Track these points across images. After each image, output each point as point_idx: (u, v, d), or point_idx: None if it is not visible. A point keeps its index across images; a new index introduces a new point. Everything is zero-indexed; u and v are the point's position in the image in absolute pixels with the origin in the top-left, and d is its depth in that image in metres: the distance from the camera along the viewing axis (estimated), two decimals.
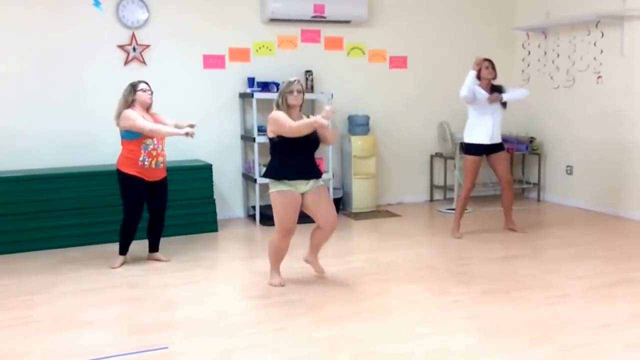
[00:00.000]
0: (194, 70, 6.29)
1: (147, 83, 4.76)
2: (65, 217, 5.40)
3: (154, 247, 5.02)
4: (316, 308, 3.82)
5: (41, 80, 5.79)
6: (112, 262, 4.81)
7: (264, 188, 6.45)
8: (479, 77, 5.53)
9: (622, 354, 3.13)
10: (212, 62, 6.39)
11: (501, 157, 5.66)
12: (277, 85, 6.39)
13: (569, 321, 3.54)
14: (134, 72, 6.00)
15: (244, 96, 6.46)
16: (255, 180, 6.24)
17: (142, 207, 4.81)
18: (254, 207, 6.44)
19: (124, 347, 3.26)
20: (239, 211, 6.69)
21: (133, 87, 4.68)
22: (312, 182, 4.14)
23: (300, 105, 4.17)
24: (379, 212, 6.82)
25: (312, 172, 4.15)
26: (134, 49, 6.05)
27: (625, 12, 6.17)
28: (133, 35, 6.04)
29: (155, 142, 4.67)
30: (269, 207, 6.42)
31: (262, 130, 6.32)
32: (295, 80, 4.13)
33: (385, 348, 3.20)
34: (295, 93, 4.08)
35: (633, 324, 3.50)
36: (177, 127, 4.75)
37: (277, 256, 4.25)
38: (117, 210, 5.54)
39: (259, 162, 6.24)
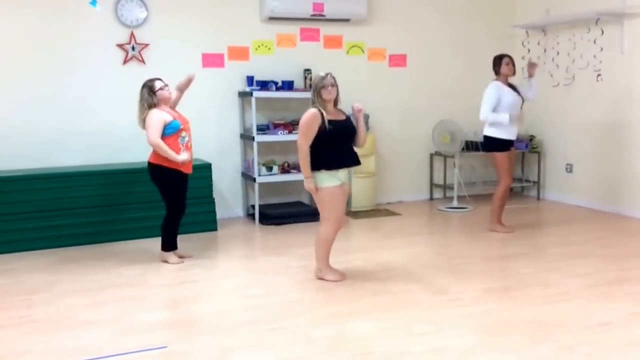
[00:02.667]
0: (193, 69, 6.23)
1: (160, 79, 4.73)
2: (63, 217, 5.38)
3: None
4: (315, 307, 3.81)
5: (39, 79, 5.78)
6: (171, 260, 4.82)
7: (263, 187, 6.47)
8: (498, 73, 5.55)
9: (622, 352, 3.13)
10: (211, 60, 6.39)
11: (512, 155, 5.71)
12: (276, 84, 6.39)
13: (569, 319, 3.53)
14: (133, 71, 6.00)
15: (243, 95, 6.45)
16: (254, 180, 6.23)
17: (185, 199, 4.85)
18: (253, 206, 6.43)
19: (123, 346, 3.26)
20: (239, 210, 6.68)
21: (151, 89, 4.63)
22: (346, 174, 4.29)
23: (336, 100, 4.21)
24: (378, 211, 6.81)
25: (355, 159, 4.29)
26: (133, 48, 6.04)
27: (625, 10, 6.16)
28: (132, 34, 6.03)
29: (187, 135, 4.76)
30: (268, 206, 6.50)
31: (261, 129, 6.33)
32: (327, 75, 4.16)
33: (385, 347, 3.19)
34: (329, 87, 4.11)
35: (633, 322, 3.50)
36: (178, 88, 4.95)
37: (329, 250, 4.34)
38: (115, 209, 5.57)
39: (258, 161, 6.24)
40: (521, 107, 5.64)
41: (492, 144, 5.56)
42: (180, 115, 4.80)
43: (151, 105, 4.62)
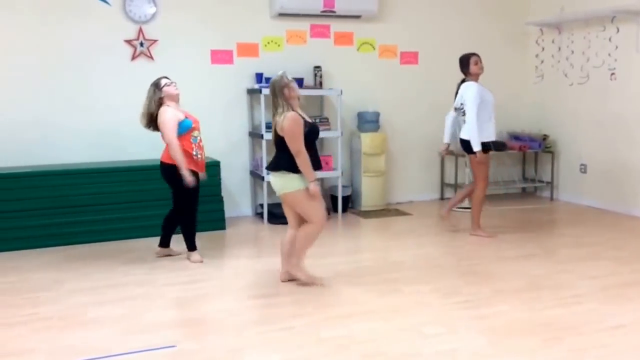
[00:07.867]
0: (201, 66, 6.26)
1: (166, 77, 4.72)
2: (71, 214, 5.37)
3: (166, 243, 5.00)
4: (324, 307, 3.77)
5: (47, 75, 5.78)
6: (193, 258, 4.83)
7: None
8: (467, 74, 5.29)
9: (635, 355, 3.07)
10: (220, 57, 6.36)
11: (490, 158, 5.56)
12: None
13: (582, 322, 3.47)
14: (142, 67, 5.99)
15: (252, 92, 6.42)
16: (263, 178, 6.19)
17: (197, 200, 4.81)
18: (261, 205, 6.40)
19: (131, 345, 3.23)
20: (247, 209, 6.65)
21: (157, 86, 4.64)
22: None
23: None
24: (388, 211, 6.76)
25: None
26: (142, 44, 6.02)
27: None
28: (140, 30, 6.01)
29: (199, 134, 4.72)
30: (277, 205, 6.45)
31: (270, 126, 6.28)
32: (282, 74, 3.99)
33: (394, 348, 3.15)
34: (292, 84, 3.97)
35: None
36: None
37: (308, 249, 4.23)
38: (123, 208, 5.57)
39: (266, 159, 6.20)
40: None
41: (470, 146, 5.27)
42: (189, 115, 4.76)
43: (158, 101, 4.61)
